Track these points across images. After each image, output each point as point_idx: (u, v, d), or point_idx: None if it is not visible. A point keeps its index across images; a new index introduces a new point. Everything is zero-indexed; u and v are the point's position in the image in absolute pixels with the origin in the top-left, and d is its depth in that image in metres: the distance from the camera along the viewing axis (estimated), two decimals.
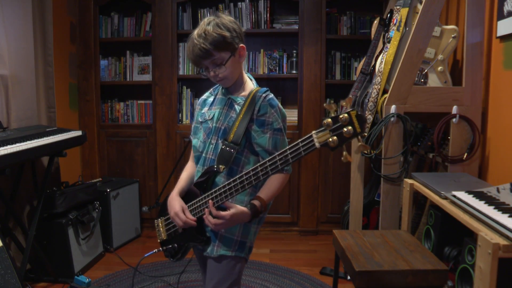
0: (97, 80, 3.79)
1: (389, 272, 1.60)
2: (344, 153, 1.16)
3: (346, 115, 1.11)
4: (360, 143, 1.13)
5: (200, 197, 1.49)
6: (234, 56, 1.48)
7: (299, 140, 1.20)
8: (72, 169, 3.64)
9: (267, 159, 1.30)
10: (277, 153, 1.27)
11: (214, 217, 1.40)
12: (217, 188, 1.43)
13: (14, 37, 2.76)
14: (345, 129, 1.11)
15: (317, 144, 1.16)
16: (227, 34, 1.45)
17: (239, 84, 1.56)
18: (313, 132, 1.17)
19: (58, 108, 3.29)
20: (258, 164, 1.32)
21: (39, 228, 2.71)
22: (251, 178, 1.33)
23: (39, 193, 2.68)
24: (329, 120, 1.14)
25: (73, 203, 2.91)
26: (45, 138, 2.47)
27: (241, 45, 1.50)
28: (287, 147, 1.24)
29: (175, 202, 1.55)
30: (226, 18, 1.49)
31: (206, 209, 1.43)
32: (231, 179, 1.39)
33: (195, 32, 1.47)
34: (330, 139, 1.13)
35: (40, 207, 2.62)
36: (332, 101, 3.74)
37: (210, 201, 1.42)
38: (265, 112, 1.47)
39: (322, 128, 1.15)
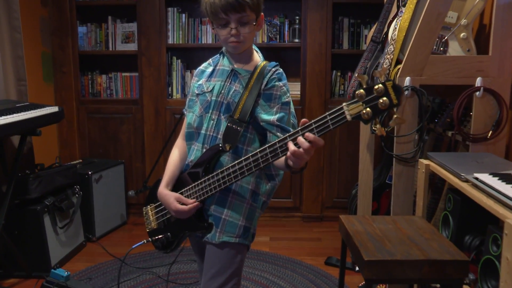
0: (75, 49, 3.74)
1: (402, 262, 1.59)
2: (378, 125, 1.21)
3: (381, 85, 1.13)
4: (396, 115, 1.16)
5: (203, 179, 1.49)
6: (256, 22, 1.51)
7: (327, 113, 1.22)
8: (48, 149, 3.62)
9: (288, 134, 1.28)
10: (300, 128, 1.25)
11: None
12: (225, 168, 1.43)
13: None
14: (380, 101, 1.14)
15: (348, 117, 1.19)
16: None
17: (247, 54, 1.57)
18: (344, 104, 1.20)
19: (29, 81, 3.24)
20: (277, 140, 1.30)
21: (9, 217, 2.68)
22: (268, 155, 1.32)
23: (9, 177, 2.65)
24: (362, 91, 1.16)
25: (50, 188, 2.90)
26: (15, 115, 2.45)
27: (262, 13, 1.55)
28: (312, 121, 1.23)
29: (168, 199, 1.55)
30: None
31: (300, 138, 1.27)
32: (242, 158, 1.39)
33: None
34: (364, 111, 1.16)
35: (10, 193, 2.59)
36: (339, 73, 3.71)
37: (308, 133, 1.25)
38: (273, 85, 1.51)
39: (355, 100, 1.18)
